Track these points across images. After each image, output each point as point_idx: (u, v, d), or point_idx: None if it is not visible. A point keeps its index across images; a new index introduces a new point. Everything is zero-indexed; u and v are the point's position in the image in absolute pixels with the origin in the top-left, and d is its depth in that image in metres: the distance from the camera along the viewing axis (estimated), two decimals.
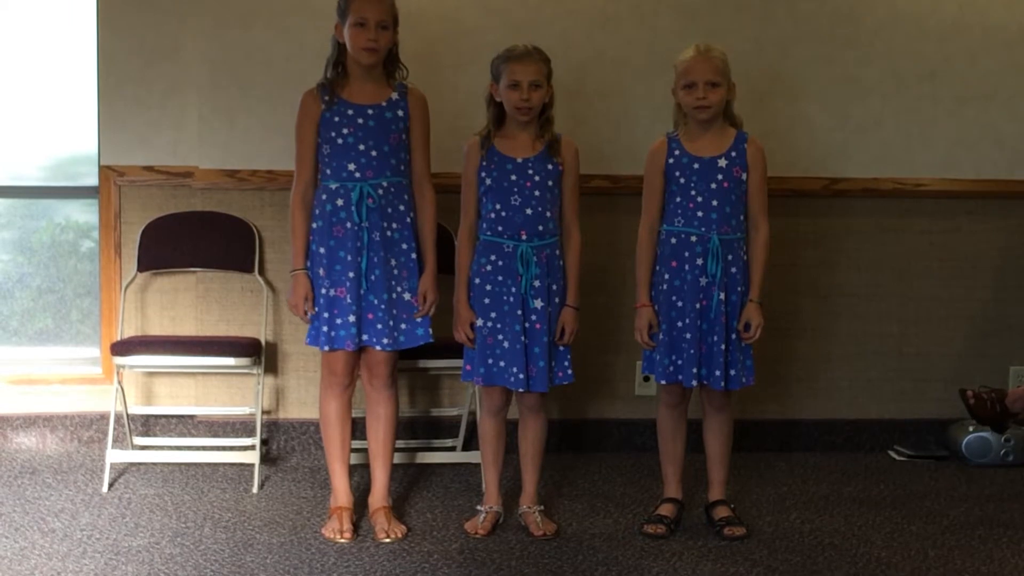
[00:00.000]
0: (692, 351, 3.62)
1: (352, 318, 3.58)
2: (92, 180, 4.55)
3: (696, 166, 3.63)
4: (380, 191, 3.59)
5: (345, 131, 3.58)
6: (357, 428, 3.83)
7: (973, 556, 3.54)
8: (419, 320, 3.65)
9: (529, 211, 3.60)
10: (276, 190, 4.38)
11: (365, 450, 3.82)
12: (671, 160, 3.66)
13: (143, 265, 4.42)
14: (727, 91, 3.61)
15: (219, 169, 4.41)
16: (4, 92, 4.62)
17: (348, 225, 3.58)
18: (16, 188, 4.68)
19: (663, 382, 3.70)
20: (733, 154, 3.64)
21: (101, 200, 4.50)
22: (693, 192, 3.63)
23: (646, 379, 4.40)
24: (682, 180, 3.64)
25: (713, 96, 3.57)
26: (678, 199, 3.65)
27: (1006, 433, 4.49)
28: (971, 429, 4.51)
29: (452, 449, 4.47)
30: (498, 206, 3.62)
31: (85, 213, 4.68)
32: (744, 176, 3.64)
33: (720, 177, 3.62)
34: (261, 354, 4.28)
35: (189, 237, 4.42)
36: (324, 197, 3.61)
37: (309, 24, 4.27)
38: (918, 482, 4.30)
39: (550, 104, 3.63)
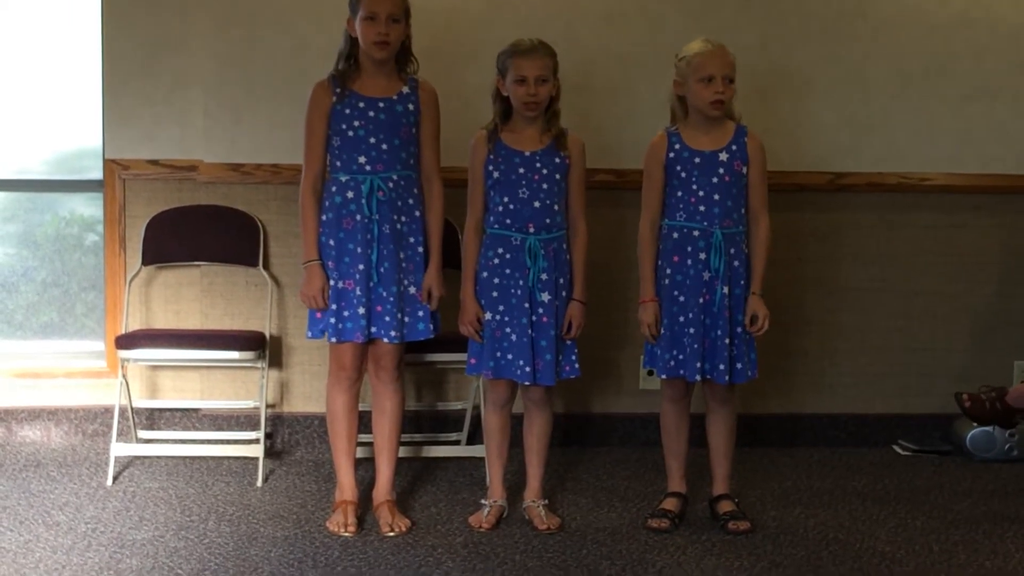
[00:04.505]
0: (696, 346, 3.61)
1: (362, 310, 3.57)
2: (97, 174, 4.55)
3: (697, 160, 3.62)
4: (391, 184, 3.59)
5: (356, 124, 3.58)
6: (362, 422, 3.83)
7: (978, 551, 3.54)
8: (420, 315, 3.65)
9: (537, 204, 3.60)
10: (281, 184, 4.38)
11: (370, 444, 3.83)
12: (671, 154, 3.65)
13: (148, 259, 4.42)
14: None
15: (224, 163, 4.41)
16: (9, 86, 4.63)
17: (358, 218, 3.58)
18: (20, 182, 4.69)
19: (664, 376, 3.71)
20: (734, 148, 3.63)
21: (106, 194, 4.50)
22: (694, 186, 3.62)
23: (649, 373, 4.40)
24: (683, 174, 3.64)
25: (729, 91, 3.57)
26: (679, 193, 3.65)
27: (1012, 428, 4.49)
28: (976, 424, 4.51)
29: (457, 443, 4.47)
30: (506, 199, 3.62)
31: (90, 207, 4.68)
32: (745, 170, 3.64)
33: (721, 171, 3.61)
34: (265, 348, 4.28)
35: (194, 231, 4.42)
36: (334, 189, 3.61)
37: (313, 20, 4.28)
38: (922, 477, 4.30)
39: (556, 98, 3.63)
